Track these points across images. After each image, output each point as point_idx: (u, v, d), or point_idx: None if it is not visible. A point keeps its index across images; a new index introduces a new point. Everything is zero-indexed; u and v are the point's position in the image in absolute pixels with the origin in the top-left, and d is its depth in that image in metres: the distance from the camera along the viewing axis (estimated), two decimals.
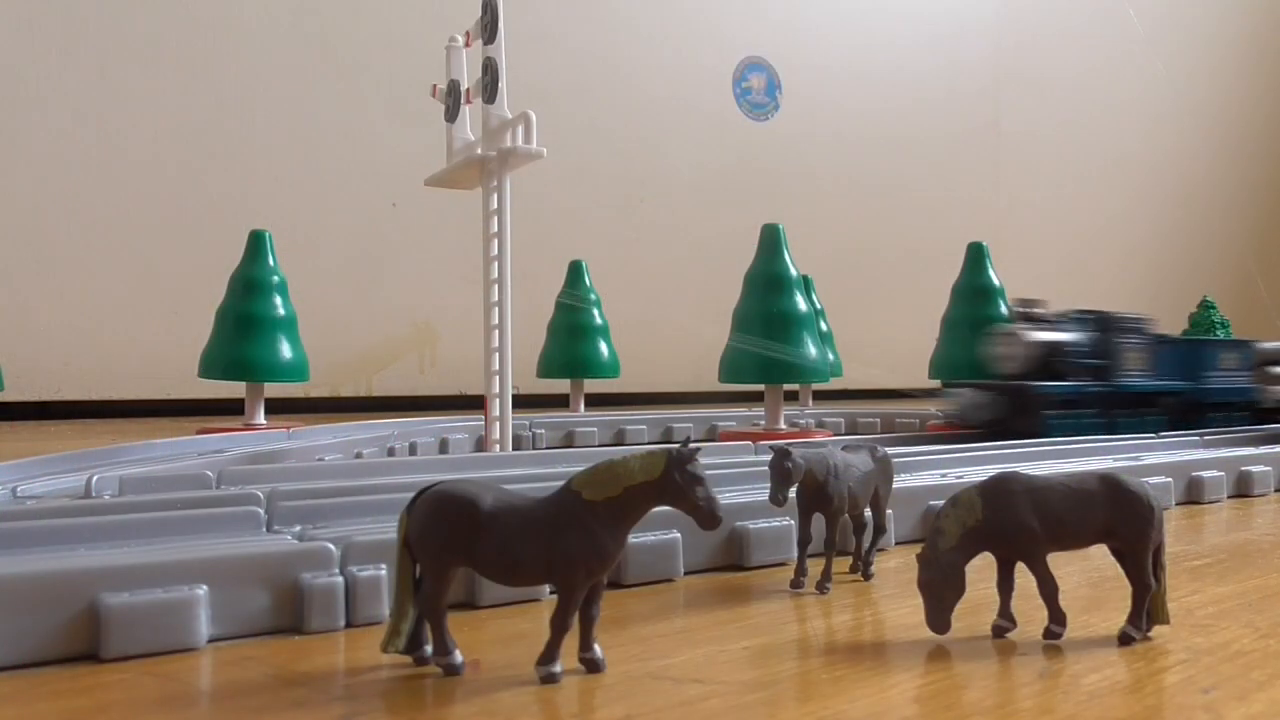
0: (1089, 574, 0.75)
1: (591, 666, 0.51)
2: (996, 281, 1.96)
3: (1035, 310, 1.63)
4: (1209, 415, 1.73)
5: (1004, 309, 1.94)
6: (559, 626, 0.50)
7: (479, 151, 1.24)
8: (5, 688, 0.50)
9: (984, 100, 4.44)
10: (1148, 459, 1.26)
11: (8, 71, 2.67)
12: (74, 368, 2.74)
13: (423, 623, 0.51)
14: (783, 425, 1.59)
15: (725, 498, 0.80)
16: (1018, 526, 0.57)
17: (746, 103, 3.87)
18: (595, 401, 2.51)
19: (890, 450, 0.81)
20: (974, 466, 1.15)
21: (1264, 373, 1.84)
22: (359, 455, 1.38)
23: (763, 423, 1.67)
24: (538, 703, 0.47)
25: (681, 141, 3.69)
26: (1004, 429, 1.51)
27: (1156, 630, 0.58)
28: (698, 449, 0.51)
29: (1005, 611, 0.59)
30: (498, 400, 1.23)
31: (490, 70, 1.22)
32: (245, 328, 1.72)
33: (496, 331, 1.23)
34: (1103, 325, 1.64)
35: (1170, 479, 1.15)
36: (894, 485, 0.80)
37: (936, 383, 1.84)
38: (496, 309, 1.23)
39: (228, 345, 1.72)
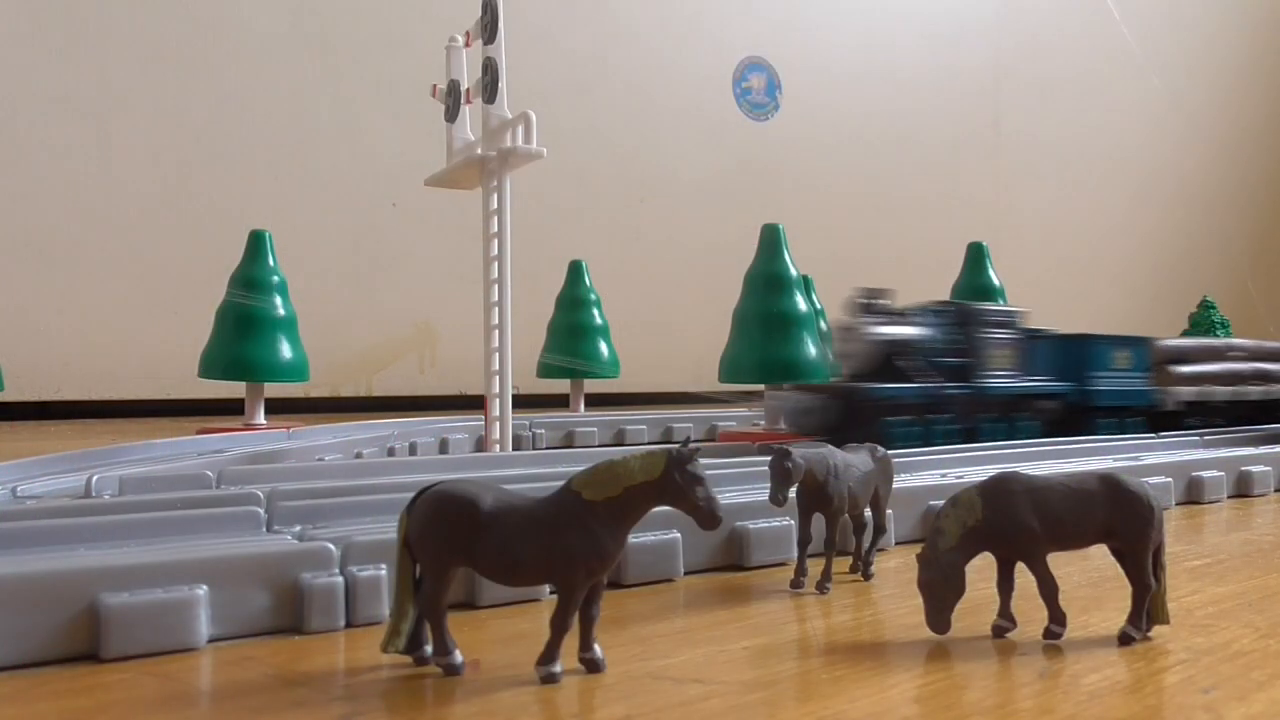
0: (1089, 574, 0.75)
1: (591, 666, 0.51)
2: (996, 281, 1.96)
3: (880, 301, 1.43)
4: (1097, 421, 1.56)
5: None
6: (559, 626, 0.50)
7: (479, 151, 1.24)
8: (5, 688, 0.50)
9: (984, 100, 4.44)
10: (1148, 459, 1.26)
11: (8, 71, 2.67)
12: (74, 368, 2.74)
13: (423, 623, 0.51)
14: (783, 425, 1.59)
15: (725, 498, 0.80)
16: (1018, 526, 0.57)
17: (746, 103, 3.87)
18: (595, 401, 2.51)
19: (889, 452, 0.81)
20: (974, 466, 1.15)
21: (1165, 373, 1.69)
22: (359, 455, 1.38)
23: (763, 423, 1.66)
24: (538, 703, 0.47)
25: (681, 142, 3.69)
26: (839, 438, 1.32)
27: (1156, 630, 0.58)
28: (698, 449, 0.51)
29: (1005, 611, 0.59)
30: (498, 400, 1.23)
31: (490, 70, 1.22)
32: (245, 328, 1.72)
33: (496, 331, 1.23)
34: (962, 319, 1.45)
35: (1170, 479, 1.15)
36: (894, 485, 0.81)
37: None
38: (496, 309, 1.23)
39: (228, 345, 1.72)
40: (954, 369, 1.42)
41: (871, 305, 1.41)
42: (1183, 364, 1.73)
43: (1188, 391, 1.69)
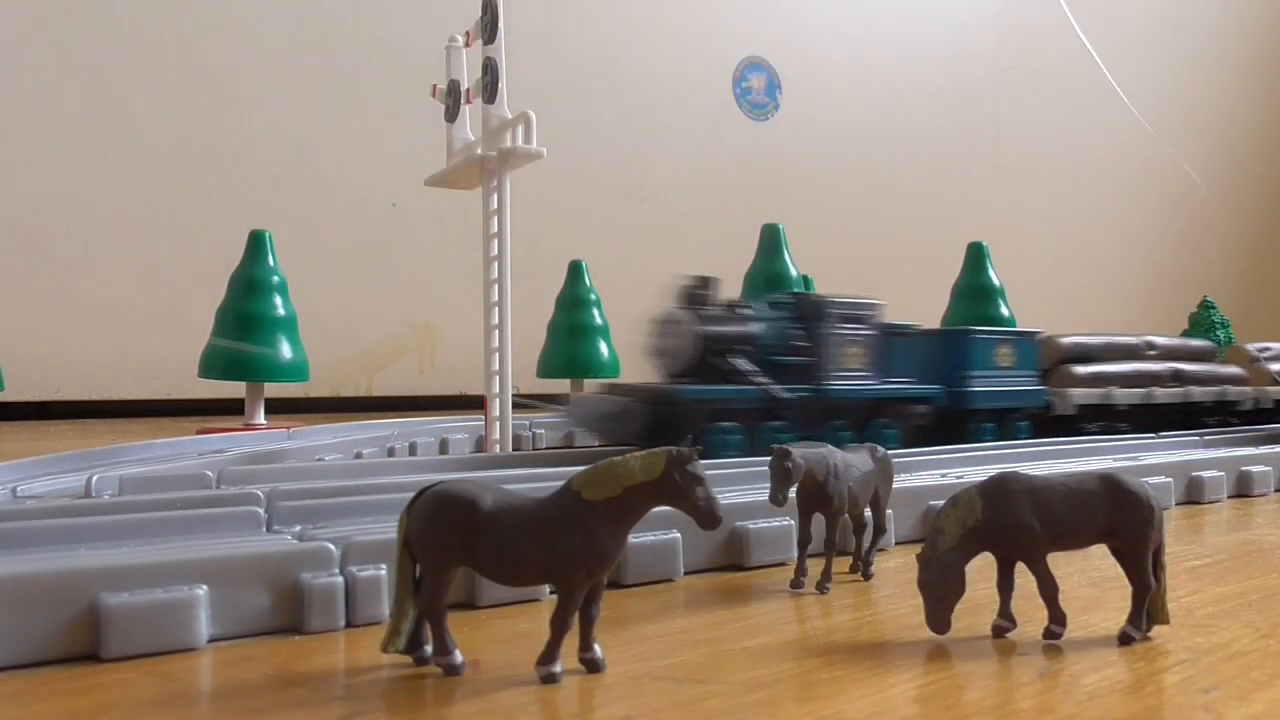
0: (1089, 574, 0.75)
1: (591, 666, 0.51)
2: (996, 281, 1.96)
3: (710, 292, 1.26)
4: (980, 425, 1.42)
5: (1004, 309, 1.93)
6: (559, 626, 0.50)
7: (479, 151, 1.24)
8: (5, 688, 0.50)
9: (984, 100, 4.44)
10: (1148, 459, 1.26)
11: (8, 71, 2.67)
12: (74, 368, 2.74)
13: (423, 623, 0.51)
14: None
15: (725, 498, 0.80)
16: (1018, 526, 0.57)
17: (746, 103, 3.87)
18: None
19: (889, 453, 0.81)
20: (974, 466, 1.15)
21: (1064, 373, 1.57)
22: (359, 455, 1.38)
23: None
24: (538, 703, 0.47)
25: (681, 141, 3.69)
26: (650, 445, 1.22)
27: (1156, 630, 0.58)
28: (698, 449, 0.51)
29: (1005, 611, 0.59)
30: (498, 400, 1.23)
31: (490, 70, 1.22)
32: (245, 328, 1.72)
33: (496, 331, 1.23)
34: (805, 312, 1.28)
35: (1170, 479, 1.15)
36: (894, 485, 0.81)
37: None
38: (496, 309, 1.23)
39: (228, 345, 1.73)
40: (793, 369, 1.24)
41: (698, 295, 1.24)
42: (1084, 363, 1.59)
43: (1086, 394, 1.55)
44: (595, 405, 1.20)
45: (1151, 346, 1.71)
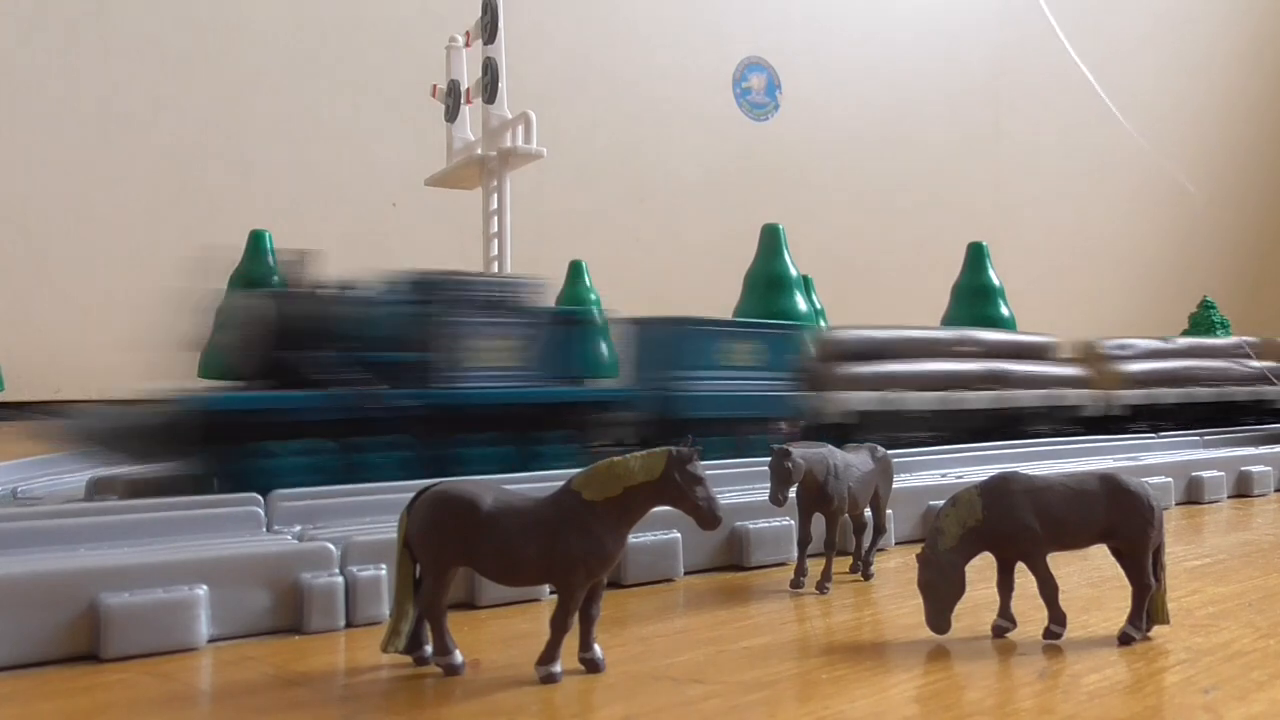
0: (1089, 574, 0.75)
1: (591, 666, 0.51)
2: (996, 281, 1.96)
3: (301, 269, 0.98)
4: (715, 437, 1.10)
5: (1004, 309, 1.93)
6: (559, 626, 0.50)
7: (479, 151, 1.24)
8: (5, 688, 0.50)
9: (984, 100, 4.44)
10: (1148, 459, 1.26)
11: (8, 71, 2.67)
12: (74, 368, 2.74)
13: (423, 623, 0.51)
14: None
15: (725, 498, 0.80)
16: (1018, 526, 0.57)
17: (746, 103, 3.87)
18: None
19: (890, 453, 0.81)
20: (974, 466, 1.15)
21: (840, 374, 1.29)
22: None
23: None
24: (538, 703, 0.47)
25: (682, 142, 3.69)
26: (194, 466, 0.90)
27: (1156, 630, 0.58)
28: (698, 449, 0.51)
29: (1005, 611, 0.59)
30: None
31: (490, 70, 1.22)
32: None
33: None
34: (430, 295, 0.98)
35: (1170, 479, 1.15)
36: (894, 485, 0.81)
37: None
38: None
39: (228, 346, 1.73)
40: (409, 368, 0.94)
41: (292, 273, 0.98)
42: (870, 362, 1.33)
43: (866, 398, 1.29)
44: (112, 418, 0.89)
45: (972, 343, 1.45)
